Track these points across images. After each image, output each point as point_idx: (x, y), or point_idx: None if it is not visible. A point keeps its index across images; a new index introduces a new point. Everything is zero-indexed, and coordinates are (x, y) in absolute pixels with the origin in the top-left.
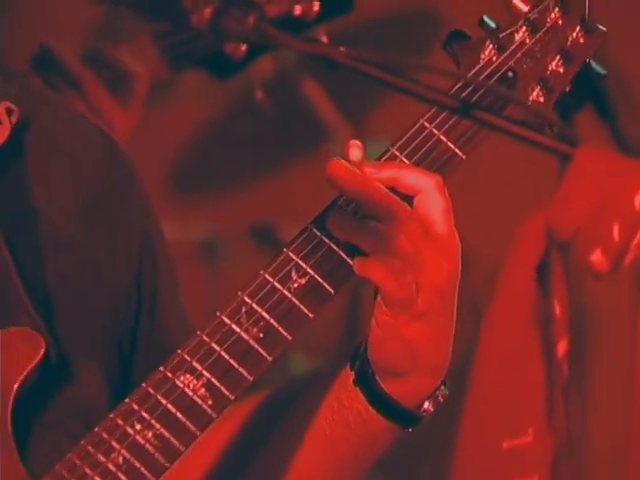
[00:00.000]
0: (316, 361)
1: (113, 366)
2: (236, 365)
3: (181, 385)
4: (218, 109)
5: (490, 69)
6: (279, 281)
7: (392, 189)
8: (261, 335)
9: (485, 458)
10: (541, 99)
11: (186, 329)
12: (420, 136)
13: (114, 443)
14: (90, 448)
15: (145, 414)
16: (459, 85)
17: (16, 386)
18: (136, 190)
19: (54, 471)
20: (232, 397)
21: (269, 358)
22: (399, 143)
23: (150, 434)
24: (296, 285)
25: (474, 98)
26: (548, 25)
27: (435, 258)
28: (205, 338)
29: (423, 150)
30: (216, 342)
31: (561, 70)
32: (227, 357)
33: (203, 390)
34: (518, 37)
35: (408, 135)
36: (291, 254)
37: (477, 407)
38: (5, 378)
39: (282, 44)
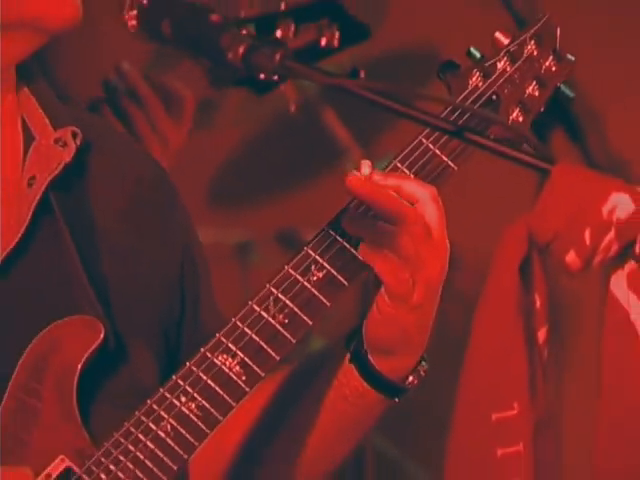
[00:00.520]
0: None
1: (161, 351)
2: (265, 346)
3: (219, 363)
4: (252, 131)
5: (477, 93)
6: (300, 274)
7: None
8: (286, 321)
9: (478, 428)
10: (520, 118)
11: (220, 320)
12: (418, 150)
13: (163, 413)
14: (143, 418)
15: (189, 388)
16: (451, 109)
17: (79, 366)
18: (178, 207)
19: (113, 438)
20: (262, 374)
21: (293, 340)
22: (401, 156)
23: (193, 405)
24: (315, 278)
25: (463, 119)
26: (525, 56)
27: (430, 259)
28: (238, 323)
29: (421, 162)
30: (248, 326)
31: (536, 94)
32: (257, 339)
33: (238, 367)
34: (500, 66)
35: (408, 149)
36: (310, 251)
37: (471, 385)
38: (70, 359)
39: (304, 77)
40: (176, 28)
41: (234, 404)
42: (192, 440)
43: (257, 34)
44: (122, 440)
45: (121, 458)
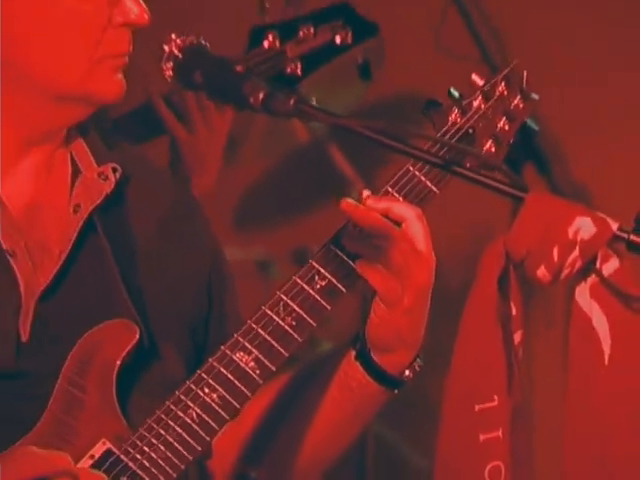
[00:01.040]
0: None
1: (188, 350)
2: (276, 344)
3: (237, 359)
4: (271, 165)
5: (456, 127)
6: (306, 283)
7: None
8: (294, 323)
9: (463, 417)
10: (493, 149)
11: (241, 323)
12: (406, 177)
13: (189, 402)
14: (172, 406)
15: (211, 381)
16: (434, 143)
17: (118, 362)
18: (205, 228)
19: (146, 424)
20: (274, 368)
21: (299, 339)
22: (391, 182)
23: (215, 395)
24: (318, 286)
25: (445, 152)
26: (497, 95)
27: (418, 269)
28: (253, 325)
29: (408, 187)
30: (261, 327)
31: (507, 127)
32: (269, 338)
33: (252, 363)
34: (476, 104)
35: (397, 176)
36: (314, 264)
37: (457, 380)
38: (110, 357)
39: (314, 118)
40: (206, 78)
41: (250, 395)
42: (214, 425)
43: (283, 36)
44: (154, 425)
45: (153, 441)
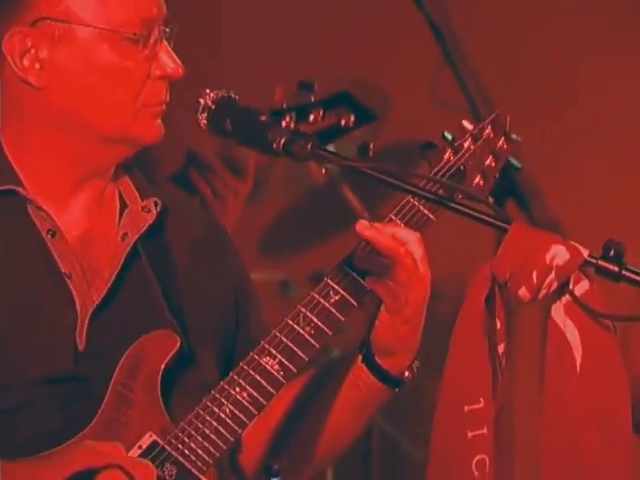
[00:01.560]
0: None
1: (221, 357)
2: (297, 350)
3: (263, 363)
4: (291, 200)
5: (449, 165)
6: (322, 297)
7: None
8: (312, 332)
9: (454, 416)
10: (481, 183)
11: (266, 332)
12: (407, 206)
13: (223, 400)
14: (209, 403)
15: (242, 381)
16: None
17: (162, 366)
18: (233, 254)
19: (187, 418)
20: (295, 370)
21: (317, 346)
22: (394, 211)
23: (245, 394)
24: (332, 300)
25: (437, 187)
26: (484, 137)
27: (418, 284)
28: (277, 334)
29: (409, 215)
30: (284, 336)
31: (493, 164)
32: (291, 345)
33: (277, 366)
34: (466, 145)
35: (400, 206)
36: (329, 281)
37: (449, 384)
38: (155, 362)
39: (328, 161)
40: (235, 126)
41: (275, 393)
42: (244, 419)
43: (297, 118)
44: (193, 420)
45: (193, 433)
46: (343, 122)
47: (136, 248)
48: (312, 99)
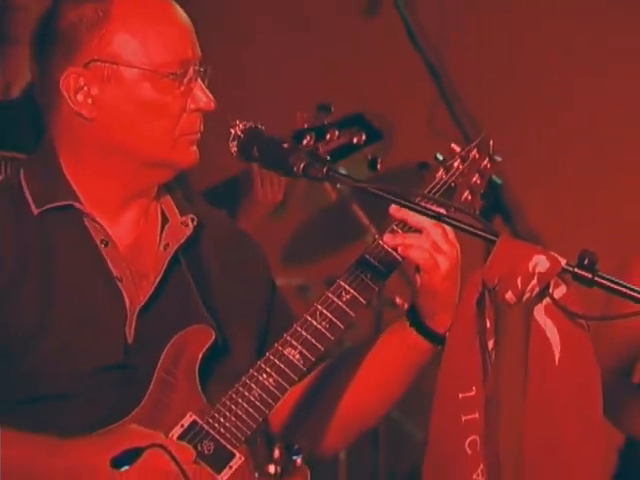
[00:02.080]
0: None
1: (251, 347)
2: (315, 342)
3: (286, 353)
4: (309, 215)
5: (441, 183)
6: (336, 297)
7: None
8: (327, 326)
9: (450, 403)
10: (469, 197)
11: (289, 327)
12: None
13: (253, 385)
14: (240, 388)
15: (268, 369)
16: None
17: (200, 356)
18: (261, 261)
19: (222, 401)
20: (313, 359)
21: (332, 338)
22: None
23: (271, 379)
24: (344, 299)
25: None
26: (471, 158)
27: (448, 248)
28: (298, 328)
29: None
30: (304, 330)
31: (479, 182)
32: (310, 337)
33: (298, 356)
34: (455, 164)
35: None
36: (341, 283)
37: (446, 374)
38: (194, 352)
39: (341, 182)
40: (261, 152)
41: (296, 378)
42: (271, 402)
43: (317, 137)
44: (227, 402)
45: (227, 414)
46: (355, 140)
47: (176, 256)
48: (329, 120)
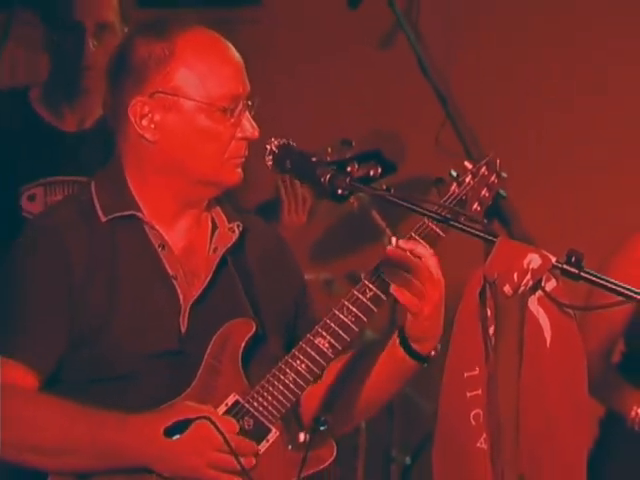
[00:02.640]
0: (376, 335)
1: (286, 337)
2: (341, 333)
3: (317, 343)
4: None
5: (454, 195)
6: (360, 294)
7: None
8: (353, 319)
9: (456, 381)
10: (478, 208)
11: (318, 320)
12: (423, 226)
13: (287, 370)
14: (277, 372)
15: (301, 356)
16: (439, 206)
17: (242, 344)
18: (293, 261)
19: (261, 384)
20: (340, 348)
21: (357, 330)
22: (414, 230)
23: (304, 365)
24: (368, 296)
25: (446, 211)
26: (480, 174)
27: (432, 290)
28: (327, 321)
29: (425, 232)
30: (332, 322)
31: (487, 195)
32: (337, 329)
33: (327, 344)
34: (467, 180)
35: (418, 226)
36: (365, 281)
37: (453, 357)
38: (237, 341)
39: (362, 191)
40: (294, 165)
41: (325, 365)
42: (303, 384)
43: (339, 170)
44: (265, 384)
45: (265, 394)
46: (372, 173)
47: (224, 259)
48: (350, 154)
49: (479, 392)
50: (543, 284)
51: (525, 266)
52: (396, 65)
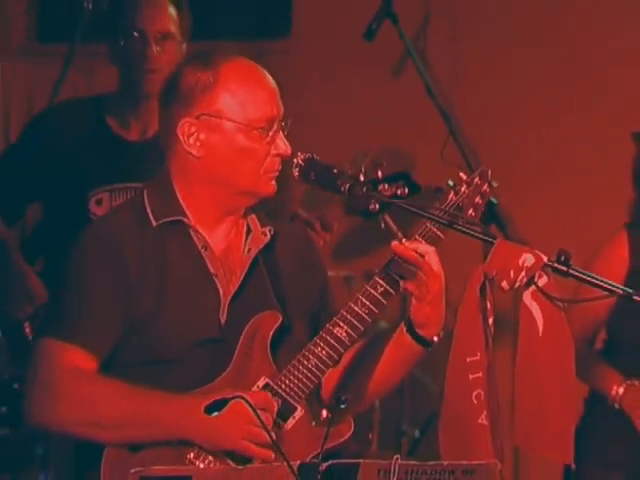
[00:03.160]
0: (388, 324)
1: (309, 327)
2: (356, 323)
3: (335, 332)
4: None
5: (452, 202)
6: (372, 289)
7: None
8: (366, 311)
9: (460, 365)
10: (473, 214)
11: (337, 311)
12: (426, 229)
13: (310, 356)
14: (301, 358)
15: (322, 344)
16: (439, 212)
17: (270, 334)
18: (319, 259)
19: (287, 368)
20: (355, 336)
21: (369, 320)
22: (417, 233)
23: (324, 352)
24: (379, 290)
25: (446, 215)
26: (474, 184)
27: (434, 281)
28: (344, 312)
29: (427, 234)
30: (348, 314)
31: (480, 202)
32: (352, 319)
33: (344, 333)
34: (462, 189)
35: (421, 229)
36: (377, 278)
37: (457, 343)
38: (266, 331)
39: (376, 199)
40: (317, 176)
41: (343, 351)
42: (324, 368)
43: (372, 188)
44: (291, 369)
45: (291, 377)
46: (399, 192)
47: (257, 258)
48: (382, 174)
49: (480, 375)
50: (536, 280)
51: (520, 264)
52: (405, 88)
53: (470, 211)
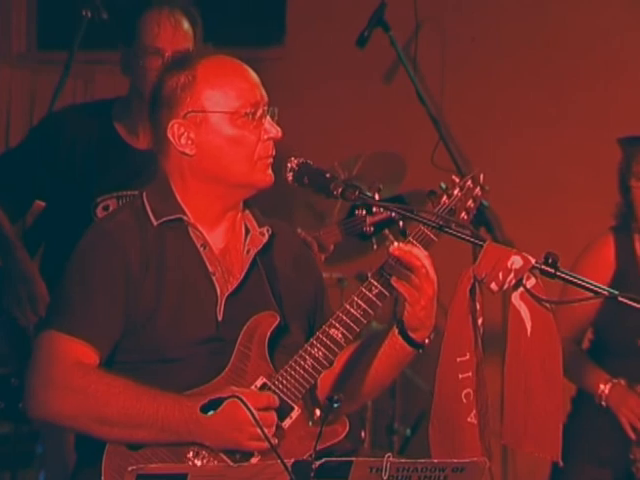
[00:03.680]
0: (381, 325)
1: (305, 327)
2: (352, 324)
3: (331, 333)
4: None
5: (445, 206)
6: (367, 290)
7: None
8: (361, 312)
9: (450, 364)
10: (465, 217)
11: (332, 313)
12: (419, 232)
13: (306, 357)
14: (297, 358)
15: (318, 344)
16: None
17: (268, 334)
18: (314, 262)
19: (284, 368)
20: (351, 337)
21: (364, 321)
22: (411, 235)
23: (320, 352)
24: (374, 292)
25: (439, 219)
26: (466, 188)
27: (427, 285)
28: (340, 314)
29: (421, 237)
30: (344, 315)
31: (472, 205)
32: (348, 321)
33: (339, 334)
34: (455, 192)
35: (415, 232)
36: (371, 280)
37: (447, 344)
38: (264, 330)
39: (369, 202)
40: (310, 180)
41: (338, 352)
42: (320, 369)
43: (367, 211)
44: (288, 369)
45: (288, 377)
46: (393, 214)
47: (255, 259)
48: (377, 197)
49: (469, 374)
50: (524, 282)
51: (509, 266)
52: (397, 94)
53: (462, 214)
